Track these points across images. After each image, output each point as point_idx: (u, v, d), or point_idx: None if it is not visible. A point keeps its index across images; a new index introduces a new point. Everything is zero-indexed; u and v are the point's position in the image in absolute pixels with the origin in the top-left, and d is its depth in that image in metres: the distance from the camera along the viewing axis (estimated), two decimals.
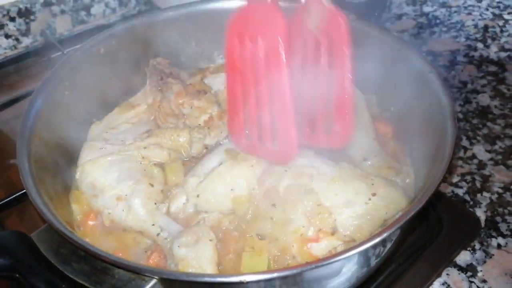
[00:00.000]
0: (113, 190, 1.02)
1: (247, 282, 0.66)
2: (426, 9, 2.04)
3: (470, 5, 2.05)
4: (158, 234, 0.97)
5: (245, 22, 0.87)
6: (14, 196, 1.16)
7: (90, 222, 1.03)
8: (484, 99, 1.56)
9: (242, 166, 1.00)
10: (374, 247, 0.77)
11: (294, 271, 0.69)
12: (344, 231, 0.91)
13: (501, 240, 1.14)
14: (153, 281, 0.71)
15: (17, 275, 0.74)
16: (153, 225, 0.98)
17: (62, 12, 1.85)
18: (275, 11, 0.81)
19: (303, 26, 0.90)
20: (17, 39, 1.80)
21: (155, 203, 1.02)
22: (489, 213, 1.20)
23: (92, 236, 1.00)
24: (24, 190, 1.10)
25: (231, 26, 0.90)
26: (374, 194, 0.95)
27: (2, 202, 1.16)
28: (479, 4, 2.06)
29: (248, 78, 0.90)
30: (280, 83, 0.84)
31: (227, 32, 0.91)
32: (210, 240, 0.91)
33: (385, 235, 0.72)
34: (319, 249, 0.91)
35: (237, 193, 0.99)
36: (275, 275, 0.67)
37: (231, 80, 0.95)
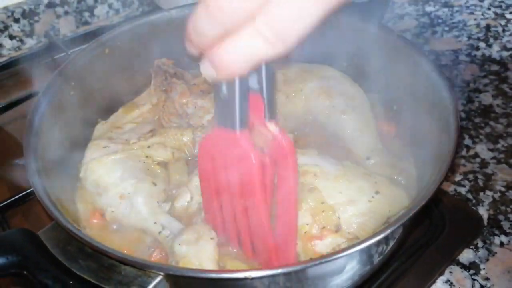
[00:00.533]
0: (116, 188, 1.03)
1: (252, 278, 0.67)
2: (428, 8, 2.04)
3: (472, 5, 2.06)
4: (160, 232, 0.97)
5: (217, 146, 0.78)
6: (19, 195, 1.17)
7: (95, 221, 1.04)
8: (486, 98, 1.56)
9: None
10: (377, 244, 0.78)
11: (298, 268, 0.70)
12: (348, 228, 0.92)
13: (503, 238, 1.14)
14: (159, 278, 0.72)
15: (25, 272, 0.75)
16: (155, 223, 0.99)
17: (66, 13, 1.86)
18: (247, 150, 0.73)
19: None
20: (21, 40, 1.81)
21: (158, 202, 1.03)
22: (491, 212, 1.20)
23: (97, 234, 1.01)
24: (29, 190, 1.12)
25: (202, 145, 0.83)
26: (377, 192, 0.96)
27: (8, 201, 1.17)
28: (481, 3, 2.06)
29: (222, 195, 0.85)
30: (255, 210, 0.80)
31: (199, 150, 0.85)
32: (211, 238, 0.91)
33: (388, 232, 0.73)
34: (323, 246, 0.91)
35: None
36: (279, 271, 0.68)
37: (205, 190, 0.90)
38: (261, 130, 0.76)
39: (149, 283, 0.72)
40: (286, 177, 0.79)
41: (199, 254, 0.87)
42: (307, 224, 0.92)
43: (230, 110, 0.70)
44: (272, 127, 0.76)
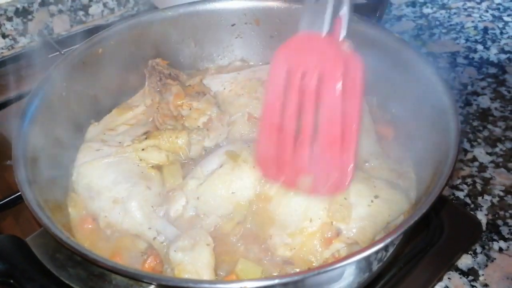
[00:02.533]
0: (109, 192, 1.01)
1: None
2: (426, 10, 2.04)
3: (469, 7, 2.05)
4: (154, 238, 0.95)
5: (298, 51, 0.86)
6: (10, 198, 1.14)
7: (87, 226, 1.02)
8: (484, 101, 1.55)
9: (244, 168, 0.99)
10: (377, 252, 0.76)
11: (295, 278, 0.68)
12: (348, 233, 0.90)
13: (502, 244, 1.13)
14: (151, 287, 0.70)
15: (11, 281, 0.72)
16: (150, 228, 0.97)
17: (60, 12, 1.84)
18: (333, 47, 0.84)
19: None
20: (14, 39, 1.78)
21: (152, 206, 1.00)
22: (490, 216, 1.19)
23: (89, 239, 0.99)
24: (20, 193, 1.09)
25: (281, 51, 0.88)
26: (376, 197, 0.94)
27: None
28: (478, 6, 2.05)
29: (290, 111, 0.88)
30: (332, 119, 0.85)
31: (275, 58, 0.89)
32: (207, 245, 0.89)
33: (388, 240, 0.71)
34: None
35: (238, 195, 0.98)
36: (276, 281, 0.66)
37: (269, 113, 0.91)
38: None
39: None
40: (354, 89, 0.86)
41: (195, 261, 0.85)
42: (319, 218, 0.91)
43: (320, 15, 0.83)
44: (345, 45, 0.87)
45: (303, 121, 0.89)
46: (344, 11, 0.86)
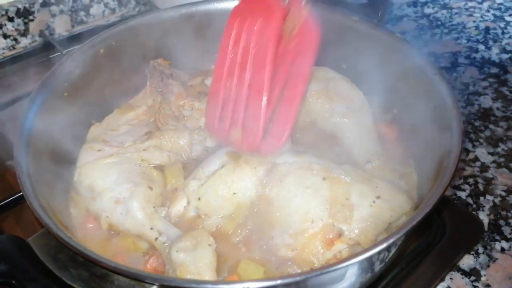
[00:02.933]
0: (111, 192, 1.01)
1: None
2: (427, 10, 2.03)
3: (471, 7, 2.05)
4: (156, 239, 0.95)
5: (246, 9, 0.92)
6: (11, 198, 1.14)
7: (89, 226, 1.02)
8: (486, 101, 1.55)
9: (245, 169, 0.99)
10: (379, 252, 0.76)
11: (298, 278, 0.68)
12: (349, 234, 0.90)
13: (504, 244, 1.13)
14: None
15: (13, 282, 0.72)
16: (152, 229, 0.96)
17: (61, 12, 1.84)
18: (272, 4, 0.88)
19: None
20: (15, 39, 1.78)
21: (154, 207, 1.00)
22: (492, 217, 1.19)
23: (91, 240, 0.99)
24: (21, 193, 1.09)
25: (234, 11, 0.95)
26: (378, 197, 0.94)
27: None
28: (480, 6, 2.05)
29: (235, 63, 0.94)
30: (262, 71, 0.89)
31: (230, 16, 0.96)
32: (209, 245, 0.89)
33: (390, 241, 0.71)
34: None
35: (239, 196, 0.98)
36: (278, 282, 0.66)
37: (220, 63, 0.98)
38: (295, 12, 0.88)
39: None
40: (305, 54, 0.88)
41: (197, 262, 0.85)
42: (321, 219, 0.91)
43: None
44: (305, 10, 0.88)
45: (240, 77, 0.94)
46: None
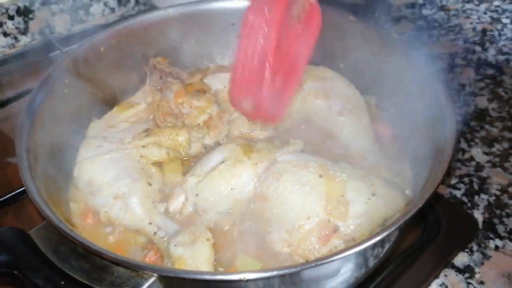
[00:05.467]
0: (110, 188, 1.02)
1: (247, 280, 0.66)
2: (425, 12, 2.05)
3: (468, 9, 2.06)
4: (155, 233, 0.96)
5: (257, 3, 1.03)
6: (11, 194, 1.15)
7: (88, 221, 1.03)
8: (482, 102, 1.56)
9: (246, 164, 1.00)
10: (373, 247, 0.77)
11: (293, 270, 0.69)
12: (345, 230, 0.91)
13: (498, 242, 1.14)
14: (152, 279, 0.71)
15: (15, 272, 0.73)
16: (150, 224, 0.98)
17: (61, 11, 1.85)
18: None
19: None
20: (15, 38, 1.79)
21: (153, 202, 1.02)
22: (486, 215, 1.20)
23: (90, 234, 1.00)
24: (22, 189, 1.11)
25: (248, 7, 1.06)
26: (373, 194, 0.95)
27: None
28: (477, 7, 2.07)
29: (250, 43, 1.03)
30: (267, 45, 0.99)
31: (245, 12, 1.06)
32: (207, 240, 0.91)
33: (384, 235, 0.72)
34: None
35: (236, 192, 0.99)
36: (274, 273, 0.67)
37: (242, 46, 1.06)
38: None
39: (142, 284, 0.71)
40: (309, 36, 0.98)
41: (195, 256, 0.86)
42: (317, 216, 0.92)
43: None
44: None
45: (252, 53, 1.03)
46: None
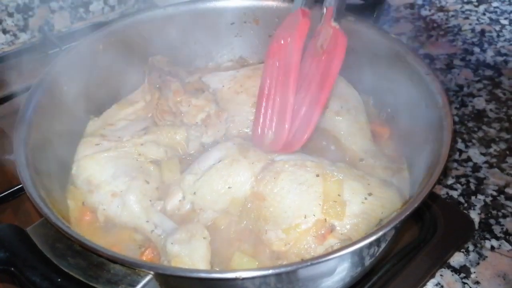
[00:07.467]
0: (108, 186, 1.03)
1: (243, 279, 0.67)
2: (424, 12, 2.05)
3: (467, 10, 2.07)
4: (152, 231, 0.97)
5: (285, 28, 1.03)
6: (9, 191, 1.15)
7: (86, 218, 1.03)
8: (480, 103, 1.57)
9: (242, 163, 1.00)
10: (369, 246, 0.77)
11: (289, 268, 0.70)
12: (341, 229, 0.92)
13: (494, 242, 1.15)
14: (149, 277, 0.71)
15: (12, 269, 0.74)
16: (147, 221, 0.98)
17: (61, 8, 1.85)
18: (299, 16, 0.98)
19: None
20: (14, 35, 1.79)
21: (150, 200, 1.02)
22: (483, 216, 1.21)
23: (87, 232, 1.00)
24: (19, 186, 1.11)
25: (274, 36, 1.05)
26: (370, 194, 0.96)
27: None
28: (476, 9, 2.07)
29: (272, 77, 1.04)
30: (288, 77, 0.98)
31: (270, 41, 1.06)
32: (204, 238, 0.91)
33: (380, 234, 0.73)
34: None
35: (234, 190, 0.99)
36: (270, 271, 0.68)
37: (264, 78, 1.06)
38: (326, 27, 0.98)
39: (139, 282, 0.72)
40: (332, 64, 0.95)
41: (192, 254, 0.87)
42: (314, 215, 0.93)
43: None
44: (334, 24, 0.97)
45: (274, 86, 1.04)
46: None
